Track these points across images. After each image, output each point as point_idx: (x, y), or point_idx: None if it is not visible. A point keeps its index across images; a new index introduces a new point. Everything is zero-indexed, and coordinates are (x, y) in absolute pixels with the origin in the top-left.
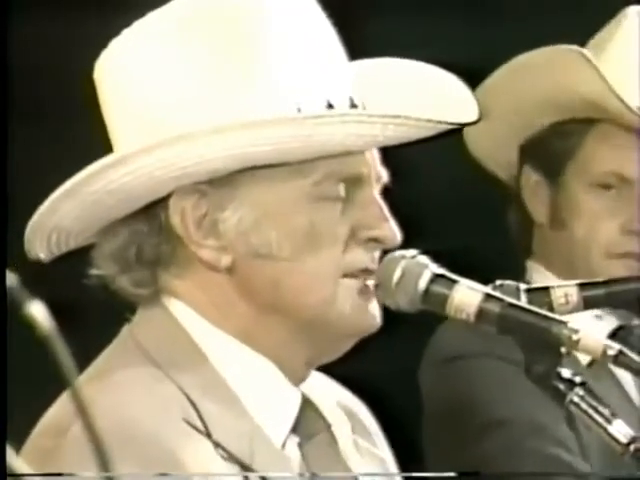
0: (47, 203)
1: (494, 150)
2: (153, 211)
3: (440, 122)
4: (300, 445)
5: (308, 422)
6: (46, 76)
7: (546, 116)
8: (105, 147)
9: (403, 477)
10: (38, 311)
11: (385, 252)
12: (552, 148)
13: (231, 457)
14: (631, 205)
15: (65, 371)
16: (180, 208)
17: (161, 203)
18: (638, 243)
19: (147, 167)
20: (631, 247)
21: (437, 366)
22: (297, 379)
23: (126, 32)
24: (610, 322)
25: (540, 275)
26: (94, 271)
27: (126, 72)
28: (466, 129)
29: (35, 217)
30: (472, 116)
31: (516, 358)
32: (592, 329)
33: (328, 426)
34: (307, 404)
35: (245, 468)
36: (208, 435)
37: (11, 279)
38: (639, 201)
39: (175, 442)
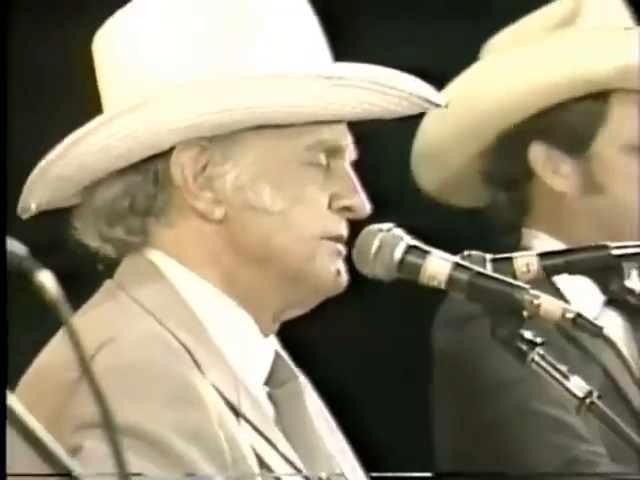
0: (56, 150)
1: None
2: (150, 163)
3: (430, 101)
4: (270, 394)
5: (279, 371)
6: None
7: (555, 96)
8: None
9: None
10: (47, 279)
11: (360, 226)
12: (572, 124)
13: (226, 401)
14: None
15: (70, 329)
16: (181, 160)
17: (159, 156)
18: None
19: (154, 118)
20: None
21: (451, 326)
22: (267, 332)
23: (129, 4)
24: None
25: (543, 242)
26: (77, 228)
27: (130, 38)
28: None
29: (39, 166)
30: (443, 100)
31: None
32: (590, 295)
33: (296, 377)
34: (277, 356)
35: (236, 413)
36: (204, 375)
37: (21, 250)
38: None
39: (191, 378)
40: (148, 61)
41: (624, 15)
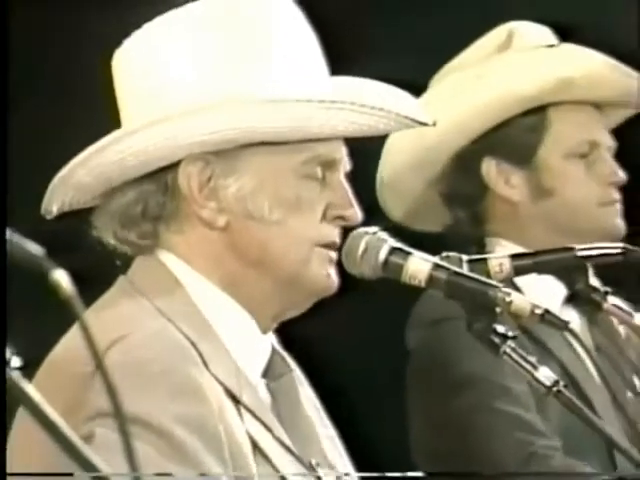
0: (76, 159)
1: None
2: (161, 174)
3: (417, 121)
4: (267, 385)
5: (275, 365)
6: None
7: (496, 116)
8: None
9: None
10: (61, 277)
11: (349, 229)
12: (516, 138)
13: (227, 391)
14: (603, 163)
15: (83, 325)
16: (188, 172)
17: (169, 167)
18: (617, 191)
19: (165, 135)
20: (612, 195)
21: (423, 327)
22: (265, 330)
23: (146, 26)
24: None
25: (505, 248)
26: (96, 227)
27: (147, 59)
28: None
29: (60, 173)
30: (430, 119)
31: None
32: (554, 292)
33: (291, 370)
34: (274, 351)
35: (237, 402)
36: (208, 369)
37: (38, 250)
38: (611, 158)
39: (195, 374)
40: (160, 82)
41: (550, 37)
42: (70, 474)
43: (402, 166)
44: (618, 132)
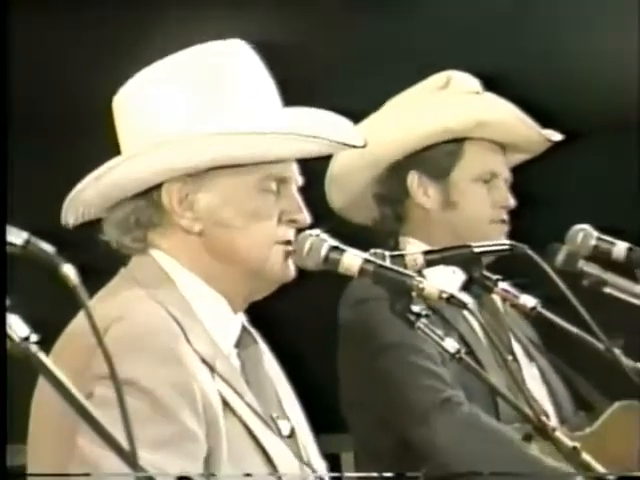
0: (84, 182)
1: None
2: (150, 192)
3: (351, 145)
4: (239, 354)
5: (244, 339)
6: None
7: (426, 141)
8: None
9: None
10: (69, 270)
11: (299, 231)
12: (437, 159)
13: (204, 361)
14: (499, 190)
15: (89, 312)
16: (169, 191)
17: (155, 187)
18: (505, 213)
19: (153, 163)
20: (502, 216)
21: (351, 306)
22: (237, 310)
23: (138, 75)
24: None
25: (412, 245)
26: (103, 235)
27: (138, 102)
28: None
29: (72, 193)
30: (361, 142)
31: None
32: (449, 280)
33: (256, 342)
34: (244, 327)
35: (211, 368)
36: (189, 342)
37: (49, 248)
38: (506, 188)
39: (177, 345)
40: (148, 119)
41: (477, 86)
42: (87, 474)
43: (349, 167)
44: (515, 169)
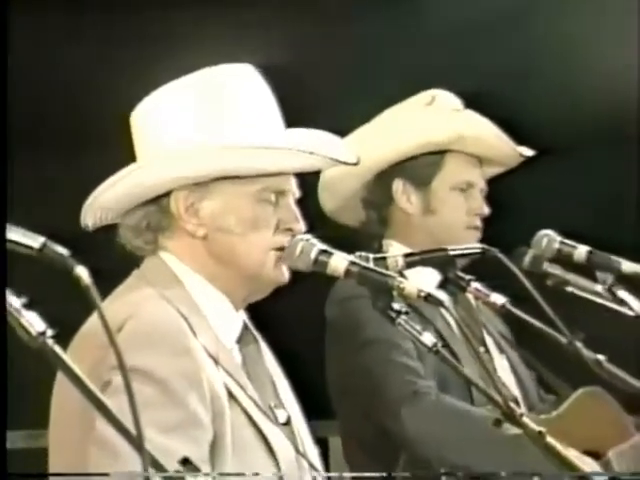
0: (100, 188)
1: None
2: (159, 199)
3: (343, 162)
4: (240, 349)
5: (245, 336)
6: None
7: (410, 152)
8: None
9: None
10: (82, 272)
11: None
12: (420, 169)
13: (209, 355)
14: (475, 199)
15: (100, 310)
16: (176, 198)
17: (164, 195)
18: (479, 220)
19: (160, 173)
20: (476, 222)
21: (337, 303)
22: (238, 308)
23: (155, 93)
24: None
25: (394, 248)
26: (119, 238)
27: (153, 118)
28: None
29: (89, 199)
30: (353, 159)
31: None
32: (429, 279)
33: (256, 338)
34: (245, 324)
35: (216, 362)
36: (196, 337)
37: (64, 251)
38: (481, 197)
39: (185, 339)
40: (159, 132)
41: (458, 103)
42: (106, 474)
43: (341, 173)
44: (490, 181)
